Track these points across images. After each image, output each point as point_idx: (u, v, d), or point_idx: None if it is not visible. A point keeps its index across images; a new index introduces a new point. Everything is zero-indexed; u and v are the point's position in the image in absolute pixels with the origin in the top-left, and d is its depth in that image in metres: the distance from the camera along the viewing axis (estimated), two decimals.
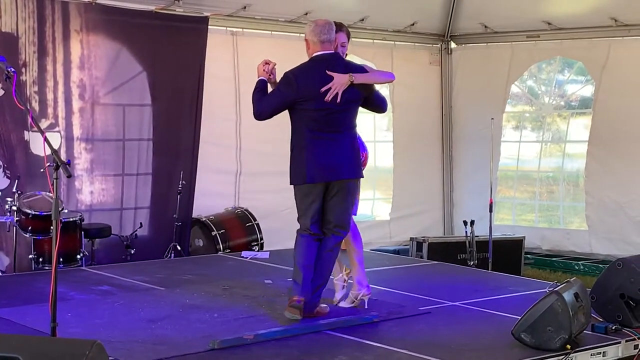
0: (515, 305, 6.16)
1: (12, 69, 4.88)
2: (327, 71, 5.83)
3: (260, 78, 6.00)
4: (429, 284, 7.47)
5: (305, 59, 10.17)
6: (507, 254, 9.85)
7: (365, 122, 11.30)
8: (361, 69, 6.03)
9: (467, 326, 5.87)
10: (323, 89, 5.78)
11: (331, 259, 6.01)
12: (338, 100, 5.78)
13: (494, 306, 6.43)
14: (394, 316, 6.03)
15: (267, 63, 6.05)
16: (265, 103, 5.88)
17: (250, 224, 9.16)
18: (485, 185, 10.03)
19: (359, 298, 6.22)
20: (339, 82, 5.79)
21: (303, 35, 9.95)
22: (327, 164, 5.85)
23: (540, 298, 5.27)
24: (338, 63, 5.94)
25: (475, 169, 11.20)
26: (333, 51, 5.99)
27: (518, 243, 10.22)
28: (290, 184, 5.97)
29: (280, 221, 9.91)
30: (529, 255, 10.55)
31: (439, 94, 11.61)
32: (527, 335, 5.17)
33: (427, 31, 11.32)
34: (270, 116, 5.91)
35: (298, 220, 6.02)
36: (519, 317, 5.29)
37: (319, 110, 5.81)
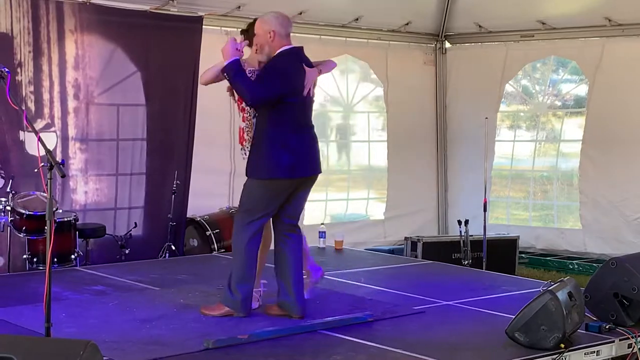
0: (509, 305, 6.17)
1: (6, 69, 4.89)
2: (303, 65, 5.87)
3: (234, 58, 5.71)
4: (423, 283, 7.48)
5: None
6: (501, 253, 9.86)
7: (360, 122, 11.34)
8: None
9: (461, 325, 5.88)
10: (306, 83, 5.83)
11: None
12: (311, 94, 5.91)
13: (488, 305, 6.44)
14: (388, 315, 6.04)
15: (236, 41, 5.82)
16: (262, 89, 5.68)
17: None
18: (479, 184, 10.05)
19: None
20: (312, 77, 5.87)
21: (297, 35, 10.16)
22: (308, 158, 5.90)
23: (534, 297, 5.28)
24: (305, 57, 6.01)
25: (470, 169, 11.21)
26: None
27: (512, 242, 10.22)
28: (264, 178, 5.78)
29: None
30: (523, 255, 10.56)
31: (434, 93, 11.62)
32: (521, 334, 5.18)
33: (421, 31, 11.33)
34: (263, 104, 5.74)
35: (242, 220, 5.84)
36: (513, 316, 5.30)
37: (301, 104, 5.85)
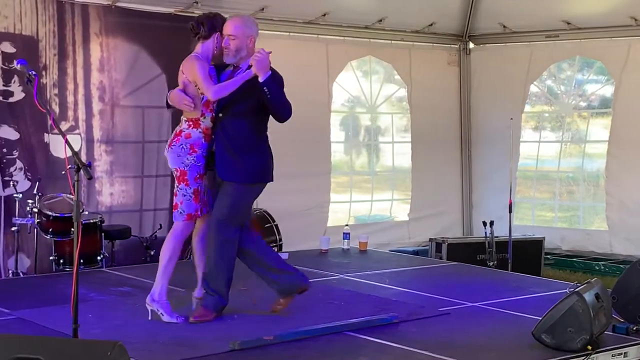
0: (536, 306, 6.15)
1: (33, 72, 4.92)
2: None
3: (270, 73, 5.73)
4: (448, 284, 7.46)
5: (322, 59, 10.32)
6: (526, 255, 9.81)
7: (384, 123, 11.33)
8: None
9: (487, 327, 5.86)
10: None
11: None
12: None
13: (514, 307, 6.41)
14: (414, 317, 6.03)
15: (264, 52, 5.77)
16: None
17: (269, 225, 9.16)
18: (504, 185, 10.02)
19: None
20: None
21: (321, 36, 10.19)
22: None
23: (560, 299, 5.25)
24: None
25: (494, 170, 11.17)
26: None
27: (538, 243, 10.17)
28: (255, 182, 5.95)
29: (299, 222, 9.94)
30: (548, 256, 10.50)
31: (458, 94, 11.58)
32: (548, 336, 5.15)
33: (445, 32, 11.30)
34: None
35: (229, 226, 5.83)
36: (540, 318, 5.27)
37: None
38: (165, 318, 5.79)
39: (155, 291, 5.85)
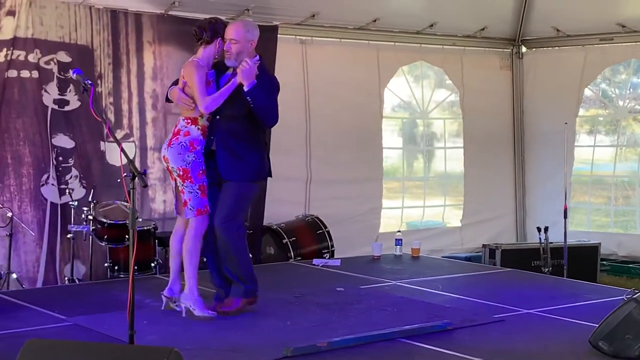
0: (592, 313, 6.07)
1: (89, 82, 4.99)
2: None
3: (255, 81, 5.99)
4: (502, 291, 7.39)
5: (373, 65, 10.31)
6: (582, 261, 9.68)
7: (437, 128, 11.28)
8: None
9: (542, 334, 5.80)
10: None
11: None
12: None
13: (570, 314, 6.34)
14: (468, 324, 5.98)
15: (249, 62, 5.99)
16: (276, 105, 6.19)
17: (320, 231, 9.17)
18: (557, 190, 9.90)
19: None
20: None
21: (372, 42, 10.20)
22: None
23: (618, 305, 5.18)
24: None
25: (548, 174, 11.05)
26: None
27: (593, 249, 10.04)
28: (258, 180, 6.29)
29: (351, 228, 9.93)
30: (604, 262, 10.35)
31: (510, 98, 11.48)
32: (605, 343, 5.08)
33: (497, 36, 11.21)
34: None
35: (234, 222, 6.08)
36: (597, 325, 5.20)
37: None
38: (198, 313, 6.01)
39: (187, 288, 6.09)
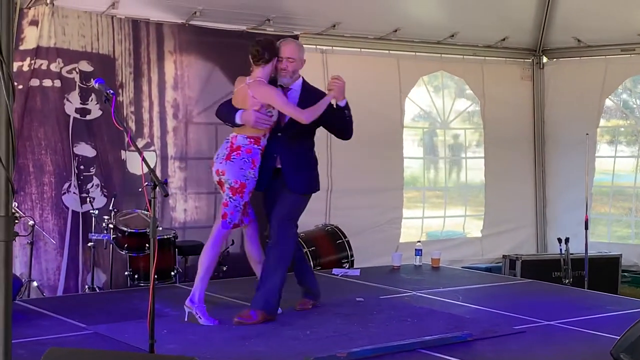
0: (613, 325, 6.04)
1: (111, 91, 5.02)
2: None
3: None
4: (523, 302, 7.36)
5: (394, 75, 10.31)
6: (603, 272, 9.63)
7: (457, 138, 11.27)
8: None
9: (563, 346, 5.77)
10: None
11: None
12: None
13: (591, 325, 6.30)
14: (488, 335, 5.96)
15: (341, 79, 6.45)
16: None
17: (340, 241, 9.15)
18: (578, 201, 9.86)
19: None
20: None
21: (392, 52, 10.20)
22: None
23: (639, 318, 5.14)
24: None
25: (569, 185, 11.01)
26: None
27: (615, 261, 9.99)
28: (309, 193, 6.57)
29: (370, 238, 9.92)
30: (626, 274, 10.29)
31: (531, 109, 11.45)
32: (627, 355, 5.04)
33: (518, 46, 11.19)
34: None
35: (291, 228, 6.46)
36: (618, 337, 5.17)
37: None
38: (202, 321, 6.16)
39: (195, 294, 6.22)
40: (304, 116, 6.17)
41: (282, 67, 6.30)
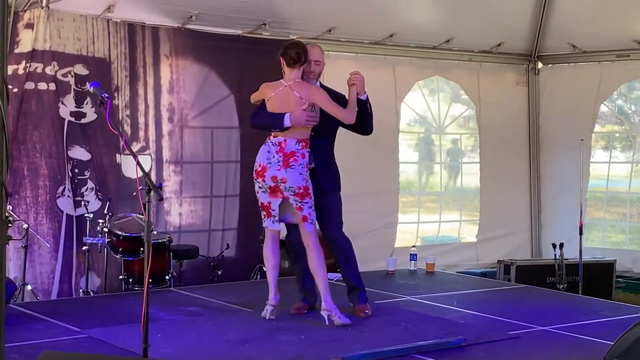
0: (607, 330, 6.04)
1: (106, 95, 5.02)
2: None
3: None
4: (517, 307, 7.36)
5: (389, 80, 10.31)
6: (597, 278, 9.64)
7: (452, 143, 11.28)
8: None
9: (557, 352, 5.77)
10: None
11: None
12: None
13: (585, 331, 6.30)
14: (483, 340, 5.96)
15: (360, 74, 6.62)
16: None
17: None
18: (573, 206, 9.87)
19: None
20: None
21: (388, 57, 10.21)
22: None
23: (633, 323, 5.14)
24: None
25: (563, 191, 11.02)
26: None
27: (609, 266, 9.99)
28: (338, 191, 6.72)
29: (365, 242, 9.90)
30: (620, 279, 10.30)
31: (526, 114, 11.47)
32: None
33: (513, 51, 11.21)
34: None
35: (342, 228, 6.73)
36: (612, 343, 5.17)
37: None
38: (341, 320, 6.28)
39: (327, 299, 6.37)
40: (350, 115, 6.36)
41: (310, 69, 6.46)
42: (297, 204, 6.31)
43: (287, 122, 6.26)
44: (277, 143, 6.31)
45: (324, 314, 6.31)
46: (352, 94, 6.47)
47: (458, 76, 10.90)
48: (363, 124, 6.59)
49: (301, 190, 6.28)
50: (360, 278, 6.76)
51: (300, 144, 6.30)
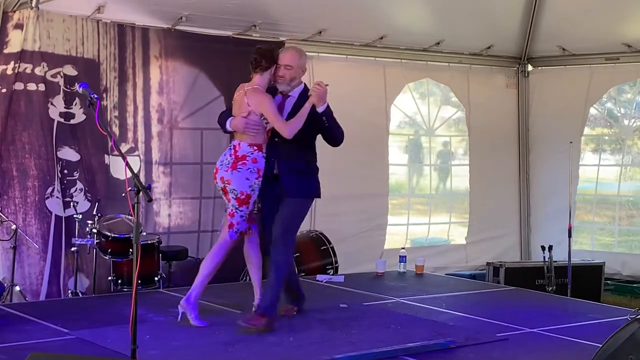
0: (595, 333, 6.06)
1: (95, 96, 5.00)
2: None
3: (327, 103, 6.29)
4: (506, 309, 7.38)
5: (379, 82, 10.31)
6: (586, 280, 9.67)
7: (443, 145, 11.30)
8: None
9: (545, 353, 5.79)
10: None
11: None
12: None
13: (573, 333, 6.32)
14: (471, 342, 5.97)
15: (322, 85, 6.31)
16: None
17: (325, 247, 9.14)
18: (562, 209, 9.89)
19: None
20: None
21: (378, 59, 10.22)
22: None
23: (621, 326, 5.15)
24: None
25: (553, 193, 11.05)
26: None
27: (598, 269, 10.02)
28: (314, 197, 6.55)
29: (355, 244, 9.92)
30: (608, 281, 10.34)
31: (516, 116, 11.49)
32: None
33: (503, 54, 11.23)
34: None
35: (291, 236, 6.39)
36: (600, 345, 5.18)
37: None
38: (193, 322, 6.23)
39: (191, 295, 6.30)
40: (287, 130, 6.14)
41: (279, 74, 6.32)
42: (232, 209, 6.27)
43: (227, 125, 6.35)
44: (232, 146, 6.32)
45: (180, 309, 6.32)
46: (306, 106, 6.23)
47: (448, 78, 10.92)
48: (325, 136, 6.41)
49: (242, 197, 6.21)
50: (265, 293, 6.37)
51: (253, 147, 6.23)
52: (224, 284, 8.37)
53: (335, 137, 6.42)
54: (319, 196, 6.56)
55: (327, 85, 6.27)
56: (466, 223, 11.20)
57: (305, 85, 6.50)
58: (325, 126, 6.29)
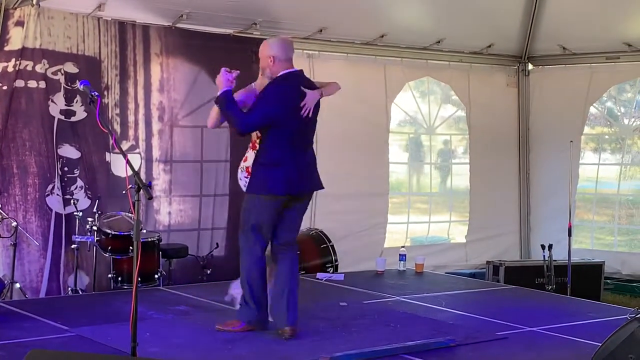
0: (595, 332, 6.07)
1: (96, 93, 5.01)
2: (302, 87, 6.01)
3: (225, 89, 5.94)
4: (505, 308, 7.38)
5: (380, 80, 10.28)
6: (586, 279, 9.67)
7: (444, 143, 11.30)
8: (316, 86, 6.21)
9: (545, 352, 5.79)
10: (302, 105, 5.94)
11: None
12: (310, 115, 6.01)
13: (573, 332, 6.33)
14: (471, 341, 5.98)
15: (229, 72, 6.01)
16: (253, 116, 5.89)
17: (325, 245, 9.16)
18: (562, 208, 9.89)
19: None
20: (312, 99, 6.00)
21: (379, 57, 10.21)
22: (303, 175, 6.06)
23: (621, 325, 5.16)
24: (306, 80, 6.18)
25: (553, 192, 11.05)
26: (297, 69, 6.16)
27: (597, 268, 10.02)
28: (250, 192, 6.00)
29: (355, 243, 9.93)
30: (608, 281, 10.34)
31: (516, 115, 11.49)
32: None
33: (504, 53, 11.23)
34: (254, 130, 6.01)
35: (245, 232, 6.00)
36: (599, 344, 5.18)
37: (299, 126, 5.98)
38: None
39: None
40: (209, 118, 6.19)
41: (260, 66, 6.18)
42: None
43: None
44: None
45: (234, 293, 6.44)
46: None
47: (448, 77, 10.92)
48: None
49: None
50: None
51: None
52: (223, 282, 8.39)
53: (233, 122, 6.01)
54: (273, 193, 5.93)
55: (232, 72, 5.99)
56: (466, 222, 11.20)
57: (281, 76, 6.03)
58: (222, 110, 5.98)
